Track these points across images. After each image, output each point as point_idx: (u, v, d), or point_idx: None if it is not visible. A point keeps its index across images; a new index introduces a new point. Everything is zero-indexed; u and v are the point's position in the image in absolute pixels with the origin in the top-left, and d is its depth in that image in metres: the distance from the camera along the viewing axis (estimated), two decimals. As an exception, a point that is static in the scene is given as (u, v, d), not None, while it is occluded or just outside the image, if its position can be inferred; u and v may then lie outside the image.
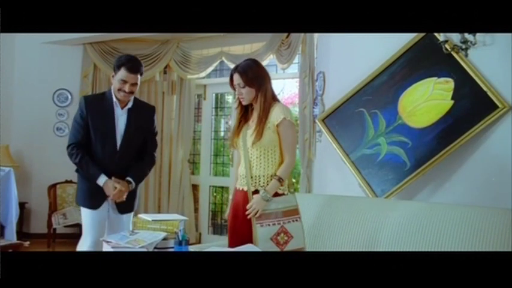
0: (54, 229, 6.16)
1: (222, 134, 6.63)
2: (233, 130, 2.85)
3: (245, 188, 2.72)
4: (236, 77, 2.71)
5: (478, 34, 3.05)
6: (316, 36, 4.81)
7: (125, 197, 3.04)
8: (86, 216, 3.09)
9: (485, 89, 3.07)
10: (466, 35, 3.09)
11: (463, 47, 3.13)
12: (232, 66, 2.94)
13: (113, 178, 3.03)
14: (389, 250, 2.84)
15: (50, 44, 6.34)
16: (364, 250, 2.96)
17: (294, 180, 4.99)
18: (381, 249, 2.88)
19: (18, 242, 4.69)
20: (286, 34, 5.32)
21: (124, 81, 2.97)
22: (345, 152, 3.77)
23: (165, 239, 2.50)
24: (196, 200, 6.49)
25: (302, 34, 5.01)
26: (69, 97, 6.61)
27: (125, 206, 3.11)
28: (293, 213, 2.68)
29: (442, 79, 3.28)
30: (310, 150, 4.80)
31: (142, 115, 3.14)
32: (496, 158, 3.04)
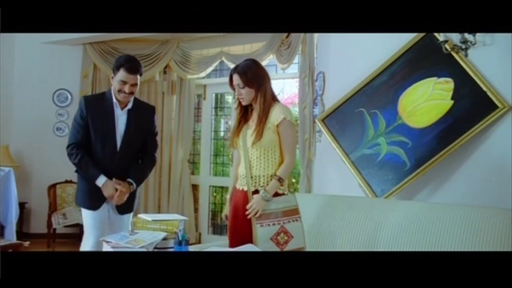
0: (54, 229, 6.16)
1: (222, 134, 6.63)
2: (233, 130, 2.85)
3: (245, 188, 2.72)
4: (236, 77, 2.71)
5: (477, 34, 3.05)
6: (316, 36, 4.81)
7: (125, 198, 3.03)
8: (87, 217, 3.08)
9: (485, 89, 3.07)
10: (466, 35, 3.09)
11: (463, 47, 3.13)
12: (232, 66, 2.94)
13: (114, 179, 3.01)
14: (389, 250, 2.84)
15: (50, 44, 6.34)
16: (364, 250, 2.96)
17: (293, 180, 5.00)
18: (380, 249, 2.88)
19: (18, 242, 4.69)
20: (286, 34, 5.32)
21: (124, 82, 2.96)
22: (345, 152, 3.77)
23: (165, 239, 2.50)
24: (196, 200, 6.49)
25: (302, 34, 5.01)
26: (69, 97, 6.61)
27: (125, 207, 3.10)
28: (293, 213, 2.68)
29: (442, 79, 3.28)
30: (310, 150, 4.80)
31: (143, 116, 3.13)
32: (496, 158, 3.04)
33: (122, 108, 3.06)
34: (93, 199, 3.04)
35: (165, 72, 6.57)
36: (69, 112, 6.50)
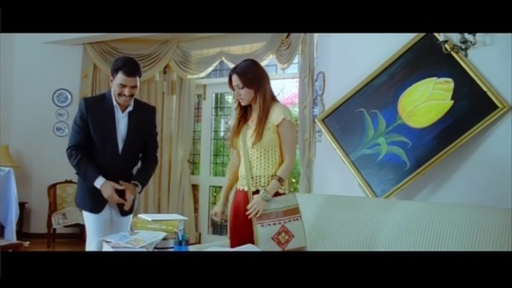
0: (54, 229, 6.16)
1: (222, 134, 6.63)
2: (233, 130, 2.84)
3: (245, 188, 2.73)
4: (235, 77, 2.71)
5: (477, 34, 3.04)
6: (316, 36, 4.81)
7: (132, 200, 3.02)
8: (89, 220, 3.05)
9: (485, 89, 3.07)
10: (466, 35, 3.09)
11: (463, 47, 3.13)
12: (232, 66, 2.94)
13: (120, 182, 2.98)
14: (389, 250, 2.84)
15: (50, 44, 6.34)
16: (364, 250, 2.96)
17: (293, 180, 5.00)
18: (380, 249, 2.89)
19: (18, 242, 4.69)
20: (286, 34, 5.32)
21: (123, 86, 2.91)
22: (345, 152, 3.77)
23: (165, 239, 2.50)
24: (196, 200, 6.49)
25: (302, 34, 5.01)
26: (69, 97, 6.62)
27: (133, 205, 3.09)
28: (293, 212, 2.69)
29: (442, 79, 3.28)
30: (310, 150, 4.80)
31: (143, 117, 3.11)
32: (496, 158, 3.04)
33: (123, 111, 3.02)
34: (95, 202, 3.00)
35: (165, 72, 6.57)
36: (69, 112, 6.50)
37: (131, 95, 2.96)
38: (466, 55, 3.15)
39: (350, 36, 3.81)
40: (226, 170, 3.06)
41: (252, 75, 2.69)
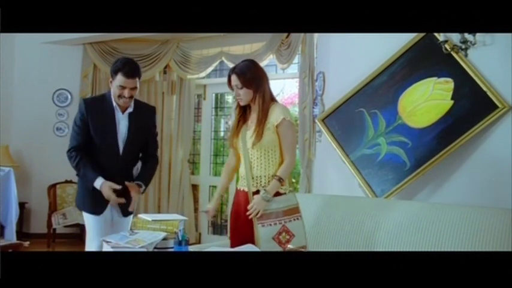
0: (54, 229, 6.16)
1: (222, 134, 6.63)
2: (232, 131, 2.85)
3: (246, 189, 2.73)
4: (234, 78, 2.71)
5: (477, 34, 3.04)
6: (316, 36, 4.81)
7: (136, 200, 3.01)
8: (90, 221, 3.04)
9: (485, 89, 3.07)
10: (466, 35, 3.09)
11: (463, 47, 3.13)
12: (232, 66, 2.94)
13: (126, 183, 2.97)
14: (389, 250, 2.84)
15: (50, 44, 6.34)
16: (363, 250, 2.96)
17: (293, 180, 5.00)
18: (380, 249, 2.88)
19: (18, 242, 4.69)
20: (286, 34, 5.32)
21: (122, 87, 2.90)
22: (345, 152, 3.77)
23: (165, 239, 2.50)
24: (196, 200, 6.49)
25: (302, 34, 5.01)
26: (69, 97, 6.62)
27: (128, 208, 3.09)
28: (294, 212, 2.69)
29: (442, 79, 3.28)
30: (310, 150, 4.80)
31: (144, 117, 3.09)
32: (496, 158, 3.04)
33: (123, 112, 3.01)
34: (96, 203, 2.98)
35: (165, 72, 6.57)
36: (69, 112, 6.51)
37: (131, 97, 2.94)
38: (466, 55, 3.15)
39: (350, 36, 3.81)
40: (222, 169, 3.06)
41: (251, 76, 2.69)
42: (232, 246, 2.72)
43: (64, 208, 6.29)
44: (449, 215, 2.75)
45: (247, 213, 2.64)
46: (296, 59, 5.34)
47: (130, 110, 3.03)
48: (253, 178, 2.70)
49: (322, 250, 3.07)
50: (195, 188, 6.52)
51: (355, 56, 3.92)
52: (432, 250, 2.69)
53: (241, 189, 2.78)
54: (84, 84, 6.58)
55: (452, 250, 2.62)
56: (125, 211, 3.06)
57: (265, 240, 2.60)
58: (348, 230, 3.10)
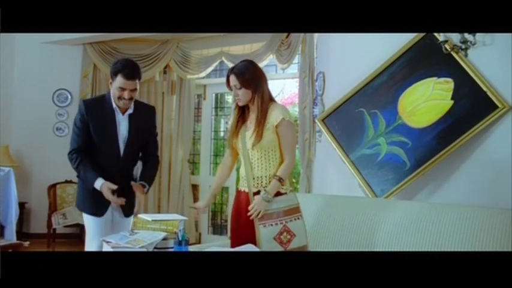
0: (54, 229, 6.16)
1: (222, 134, 6.63)
2: (231, 132, 2.84)
3: (246, 189, 2.73)
4: (232, 78, 2.70)
5: (477, 34, 3.04)
6: (316, 36, 4.81)
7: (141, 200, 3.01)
8: (90, 222, 3.02)
9: (485, 89, 3.07)
10: (466, 35, 3.09)
11: (463, 47, 3.13)
12: (232, 66, 2.94)
13: (132, 183, 2.96)
14: (389, 250, 2.84)
15: (50, 44, 6.34)
16: (363, 250, 2.96)
17: (294, 180, 5.00)
18: (380, 249, 2.89)
19: (18, 242, 4.69)
20: (286, 34, 5.32)
21: (122, 89, 2.88)
22: (345, 152, 3.77)
23: (165, 239, 2.50)
24: (196, 200, 6.48)
25: (302, 34, 5.01)
26: (69, 97, 6.62)
27: (129, 208, 3.08)
28: (294, 211, 2.70)
29: (442, 79, 3.28)
30: (310, 150, 4.80)
31: (144, 118, 3.08)
32: (496, 158, 3.04)
33: (123, 113, 2.99)
34: (98, 205, 2.97)
35: (165, 72, 6.57)
36: (69, 112, 6.51)
37: (131, 98, 2.92)
38: (466, 55, 3.15)
39: (350, 36, 3.81)
40: (217, 169, 3.06)
41: (249, 76, 2.69)
42: (233, 247, 2.72)
43: (64, 208, 6.29)
44: (449, 215, 2.75)
45: (248, 213, 2.64)
46: (296, 59, 5.34)
47: (130, 111, 3.01)
48: (254, 179, 2.71)
49: (322, 250, 3.07)
50: (195, 188, 6.52)
51: (355, 56, 3.92)
52: (432, 250, 2.69)
53: (242, 190, 2.79)
54: (84, 84, 6.58)
55: (452, 250, 2.62)
56: (127, 211, 3.05)
57: (266, 240, 2.60)
58: (348, 230, 3.10)
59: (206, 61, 6.18)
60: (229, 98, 6.43)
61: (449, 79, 3.24)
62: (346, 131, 3.81)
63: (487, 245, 2.55)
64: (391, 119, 3.52)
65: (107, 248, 2.52)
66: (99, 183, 2.90)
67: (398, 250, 2.81)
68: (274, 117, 2.68)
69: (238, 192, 2.84)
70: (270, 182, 2.68)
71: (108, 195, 2.89)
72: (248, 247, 2.51)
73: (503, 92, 3.03)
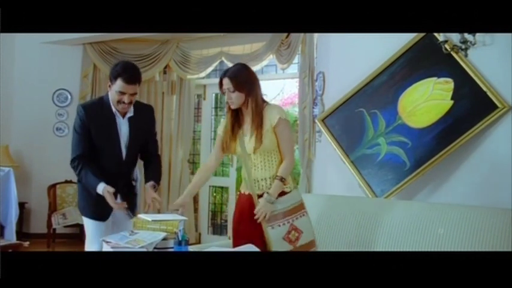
0: (54, 229, 6.16)
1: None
2: (227, 136, 2.79)
3: (249, 192, 2.73)
4: (226, 81, 2.69)
5: (477, 34, 3.04)
6: (316, 36, 4.81)
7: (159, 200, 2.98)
8: (90, 226, 3.00)
9: (484, 89, 3.07)
10: (466, 35, 3.09)
11: (463, 47, 3.13)
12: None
13: (147, 184, 2.93)
14: (389, 250, 2.84)
15: (50, 44, 6.34)
16: (363, 250, 2.96)
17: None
18: (380, 249, 2.89)
19: (18, 242, 4.69)
20: (286, 34, 5.32)
21: (122, 93, 2.82)
22: (345, 152, 3.77)
23: (164, 239, 2.50)
24: (196, 200, 6.48)
25: (302, 34, 5.01)
26: (69, 97, 6.62)
27: (133, 209, 3.07)
28: (299, 208, 2.71)
29: (442, 79, 3.28)
30: (310, 150, 4.80)
31: (143, 119, 3.04)
32: (496, 158, 3.04)
33: (123, 117, 2.95)
34: (101, 210, 2.93)
35: (165, 72, 6.57)
36: (69, 112, 6.50)
37: (130, 102, 2.87)
38: (466, 55, 3.15)
39: (350, 36, 3.81)
40: (199, 170, 3.04)
41: (243, 79, 2.68)
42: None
43: (64, 208, 6.29)
44: (449, 215, 2.75)
45: (255, 217, 2.64)
46: (296, 59, 5.34)
47: (130, 114, 2.96)
48: (257, 181, 2.71)
49: (322, 250, 3.07)
50: (195, 188, 6.51)
51: (355, 56, 3.92)
52: (432, 250, 2.69)
53: (245, 193, 2.78)
54: (84, 84, 6.58)
55: (452, 250, 2.62)
56: (132, 212, 3.03)
57: (276, 241, 2.62)
58: (348, 230, 3.10)
59: (206, 61, 6.18)
60: (229, 98, 6.42)
61: (449, 79, 3.24)
62: (346, 131, 3.81)
63: (487, 245, 2.55)
64: (391, 119, 3.52)
65: (106, 248, 2.52)
66: (101, 188, 2.85)
67: (398, 250, 2.81)
68: (271, 118, 2.68)
69: (240, 194, 2.83)
70: (271, 182, 2.69)
71: (110, 200, 2.84)
72: (248, 247, 2.51)
73: (503, 92, 3.03)
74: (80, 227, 5.90)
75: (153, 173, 3.08)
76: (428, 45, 3.38)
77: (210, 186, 6.49)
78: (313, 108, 4.69)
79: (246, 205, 2.74)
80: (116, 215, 3.03)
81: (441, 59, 3.28)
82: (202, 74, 6.27)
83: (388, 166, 3.47)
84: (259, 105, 2.70)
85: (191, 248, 2.63)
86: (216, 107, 6.62)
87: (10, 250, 4.34)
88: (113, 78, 2.84)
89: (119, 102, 2.86)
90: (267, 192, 2.65)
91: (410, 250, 2.76)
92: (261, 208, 2.63)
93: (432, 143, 3.27)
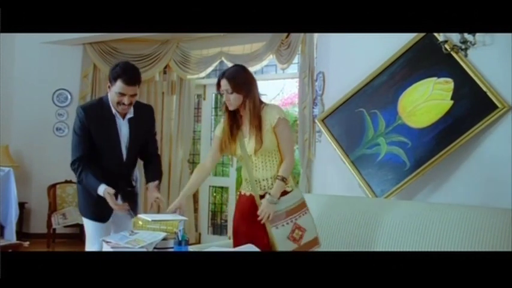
0: (54, 229, 6.16)
1: (221, 134, 6.63)
2: (226, 137, 2.78)
3: (251, 193, 2.73)
4: (224, 82, 2.68)
5: (477, 34, 3.04)
6: (316, 36, 4.82)
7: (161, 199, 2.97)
8: (90, 227, 3.00)
9: (484, 89, 3.07)
10: (466, 35, 3.09)
11: (463, 47, 3.13)
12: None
13: (148, 194, 2.93)
14: (389, 250, 2.84)
15: (50, 44, 6.34)
16: (363, 250, 2.96)
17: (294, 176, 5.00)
18: (380, 250, 2.89)
19: (18, 242, 4.69)
20: (286, 34, 5.32)
21: (122, 94, 2.81)
22: (345, 152, 3.77)
23: (164, 239, 2.50)
24: (196, 200, 6.49)
25: (302, 34, 5.01)
26: (69, 97, 6.62)
27: (135, 209, 3.07)
28: (301, 207, 2.72)
29: (442, 79, 3.28)
30: (310, 150, 4.80)
31: (143, 119, 3.03)
32: (496, 158, 3.04)
33: (123, 118, 2.94)
34: (102, 211, 2.92)
35: (165, 72, 6.58)
36: (69, 112, 6.51)
37: (130, 103, 2.86)
38: (466, 55, 3.15)
39: (350, 36, 3.81)
40: (195, 170, 3.04)
41: (241, 81, 2.68)
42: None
43: (64, 208, 6.29)
44: (449, 215, 2.75)
45: (259, 218, 2.63)
46: (296, 59, 5.34)
47: (130, 115, 2.95)
48: (259, 182, 2.71)
49: (322, 250, 3.07)
50: (194, 188, 6.51)
51: (355, 56, 3.92)
52: (432, 250, 2.69)
53: (246, 193, 2.78)
54: (84, 84, 6.58)
55: (452, 250, 2.62)
56: (134, 212, 3.03)
57: (280, 240, 2.62)
58: (348, 230, 3.10)
59: (206, 61, 6.18)
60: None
61: (449, 79, 3.24)
62: (346, 131, 3.81)
63: (487, 245, 2.55)
64: (391, 119, 3.52)
65: (106, 248, 2.52)
66: (102, 190, 2.84)
67: (398, 250, 2.81)
68: (271, 118, 2.68)
69: (240, 195, 2.83)
70: (273, 182, 2.69)
71: (111, 202, 2.83)
72: (248, 247, 2.51)
73: (503, 92, 3.03)
74: (80, 227, 5.90)
75: (154, 173, 3.08)
76: (428, 45, 3.38)
77: (210, 186, 6.49)
78: (313, 108, 4.69)
79: (247, 206, 2.74)
80: (116, 215, 3.03)
81: (441, 59, 3.28)
82: (202, 74, 6.27)
83: (388, 166, 3.47)
84: (256, 107, 2.69)
85: (191, 248, 2.63)
86: (216, 107, 6.62)
87: (10, 250, 4.34)
88: (113, 79, 2.82)
89: (118, 103, 2.85)
90: (269, 193, 2.65)
91: (410, 250, 2.76)
92: (264, 209, 2.63)
93: (432, 143, 3.27)
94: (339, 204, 3.30)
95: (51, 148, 6.28)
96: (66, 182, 6.32)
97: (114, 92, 2.83)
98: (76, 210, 5.66)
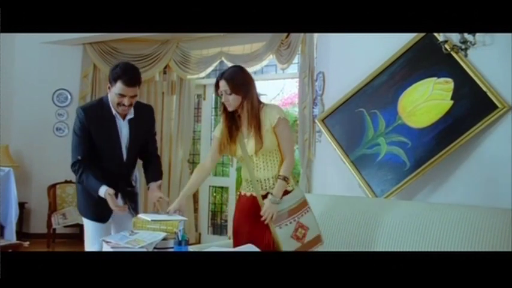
0: (54, 229, 6.17)
1: (221, 134, 6.63)
2: (226, 138, 2.77)
3: (252, 193, 2.73)
4: (222, 83, 2.67)
5: (477, 34, 3.04)
6: (316, 36, 4.82)
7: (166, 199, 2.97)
8: (90, 227, 2.99)
9: (484, 89, 3.07)
10: (466, 35, 3.08)
11: (463, 47, 3.13)
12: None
13: (153, 194, 2.93)
14: (389, 250, 2.84)
15: (50, 44, 6.34)
16: (363, 250, 2.96)
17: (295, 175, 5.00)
18: (380, 249, 2.89)
19: (18, 242, 4.69)
20: (286, 34, 5.32)
21: (122, 95, 2.80)
22: (345, 152, 3.77)
23: (164, 239, 2.50)
24: (196, 200, 6.49)
25: (302, 34, 5.01)
26: (69, 97, 6.62)
27: (135, 209, 3.07)
28: (303, 205, 2.73)
29: (442, 79, 3.28)
30: (310, 150, 4.80)
31: (143, 120, 3.03)
32: (496, 158, 3.04)
33: (124, 119, 2.93)
34: (102, 211, 2.92)
35: (165, 73, 6.58)
36: (69, 112, 6.51)
37: (130, 104, 2.85)
38: (465, 55, 3.15)
39: (350, 36, 3.81)
40: (195, 171, 3.03)
41: (239, 81, 2.67)
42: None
43: (64, 208, 6.29)
44: (449, 215, 2.75)
45: (262, 218, 2.64)
46: (296, 59, 5.34)
47: (130, 116, 2.94)
48: (260, 182, 2.71)
49: (322, 250, 3.07)
50: (194, 188, 6.51)
51: (355, 56, 3.92)
52: (432, 250, 2.69)
53: (246, 194, 2.78)
54: (84, 84, 6.58)
55: (452, 250, 2.62)
56: (135, 212, 3.02)
57: (284, 240, 2.63)
58: (348, 230, 3.10)
59: (206, 61, 6.19)
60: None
61: (449, 79, 3.24)
62: (346, 131, 3.81)
63: (487, 245, 2.55)
64: (391, 119, 3.52)
65: (106, 248, 2.52)
66: (103, 191, 2.83)
67: (398, 250, 2.81)
68: (271, 118, 2.68)
69: (240, 196, 2.83)
70: (274, 182, 2.69)
71: (111, 203, 2.82)
72: (248, 247, 2.51)
73: (503, 92, 3.03)
74: (80, 227, 5.90)
75: (155, 173, 3.08)
76: (428, 45, 3.38)
77: (210, 186, 6.49)
78: (313, 108, 4.69)
79: (247, 206, 2.74)
80: (116, 215, 3.02)
81: (441, 59, 3.28)
82: (202, 74, 6.27)
83: (388, 166, 3.47)
84: (255, 107, 2.69)
85: (191, 248, 2.63)
86: (216, 107, 6.62)
87: (10, 250, 4.34)
88: (113, 80, 2.81)
89: (118, 104, 2.84)
90: (271, 194, 2.65)
91: (410, 250, 2.76)
92: (267, 209, 2.63)
93: (432, 143, 3.27)
94: (339, 204, 3.30)
95: (51, 148, 6.28)
96: (66, 182, 6.32)
97: (114, 93, 2.82)
98: (76, 210, 5.64)
